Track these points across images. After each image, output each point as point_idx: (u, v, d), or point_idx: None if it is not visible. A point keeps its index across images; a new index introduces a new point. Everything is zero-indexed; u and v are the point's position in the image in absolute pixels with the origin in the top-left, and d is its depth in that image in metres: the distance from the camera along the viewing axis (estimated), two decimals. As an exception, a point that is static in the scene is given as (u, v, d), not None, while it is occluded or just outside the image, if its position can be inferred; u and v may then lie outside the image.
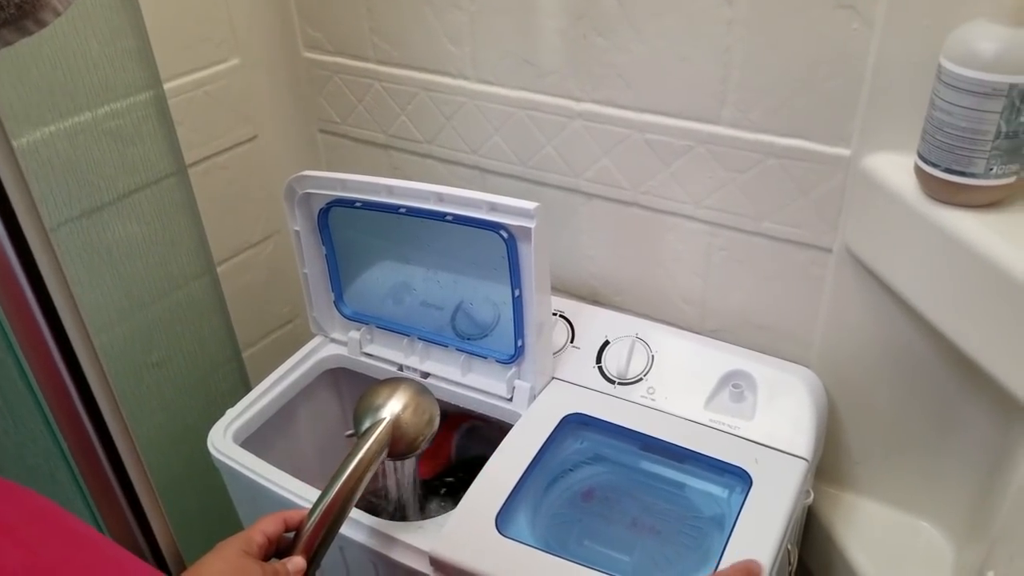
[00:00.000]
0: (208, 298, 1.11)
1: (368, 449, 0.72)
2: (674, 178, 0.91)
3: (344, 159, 1.20)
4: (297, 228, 0.97)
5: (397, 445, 0.74)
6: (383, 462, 0.74)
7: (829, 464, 0.95)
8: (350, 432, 0.76)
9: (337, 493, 0.68)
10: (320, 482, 0.73)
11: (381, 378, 1.00)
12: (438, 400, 0.80)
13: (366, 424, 0.74)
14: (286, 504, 0.85)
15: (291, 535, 0.67)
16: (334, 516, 0.68)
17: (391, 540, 0.79)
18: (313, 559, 0.66)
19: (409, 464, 0.93)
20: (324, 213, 0.96)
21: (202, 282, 1.10)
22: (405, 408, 0.75)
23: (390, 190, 0.88)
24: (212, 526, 1.08)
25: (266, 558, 0.65)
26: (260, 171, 1.17)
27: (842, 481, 0.95)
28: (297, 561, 0.65)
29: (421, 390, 0.78)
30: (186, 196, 1.04)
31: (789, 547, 0.81)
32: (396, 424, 0.74)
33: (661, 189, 0.92)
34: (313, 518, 0.67)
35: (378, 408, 0.75)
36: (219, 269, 1.13)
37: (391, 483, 0.94)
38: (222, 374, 1.16)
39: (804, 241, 0.86)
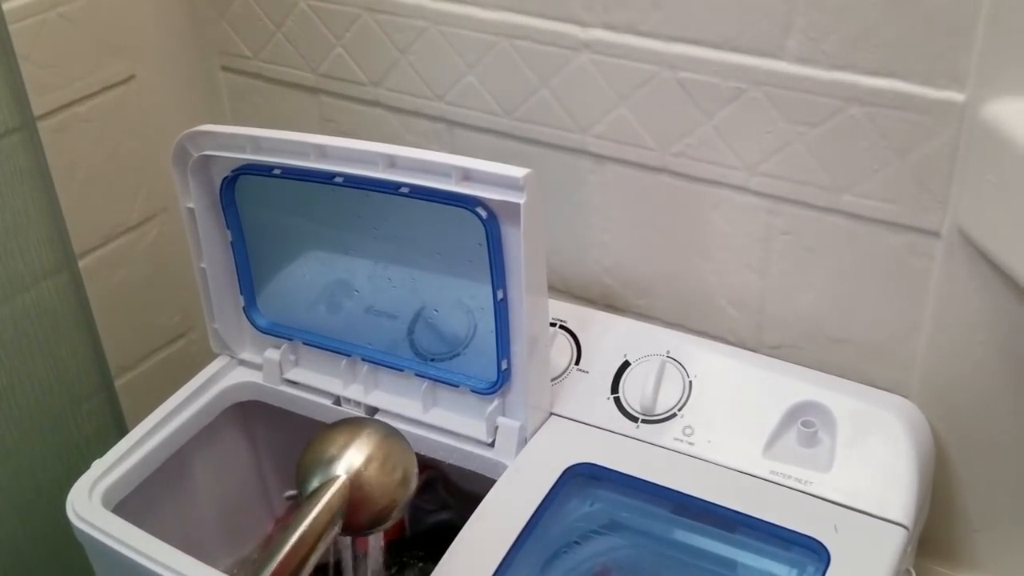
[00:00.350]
0: (66, 304, 1.10)
1: (315, 519, 0.70)
2: (719, 134, 0.91)
3: (257, 108, 1.19)
4: (191, 205, 0.97)
5: (357, 514, 0.73)
6: (335, 538, 0.73)
7: (938, 533, 0.95)
8: (291, 493, 0.75)
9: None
10: (228, 563, 0.72)
11: (309, 415, 1.01)
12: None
13: (314, 483, 0.73)
14: (177, 595, 0.84)
15: None
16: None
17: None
18: None
19: (373, 542, 0.92)
20: (229, 184, 0.96)
21: (57, 282, 1.09)
22: (369, 461, 0.75)
23: (322, 151, 0.89)
24: (73, 625, 1.07)
25: None
26: (139, 126, 1.16)
27: (957, 557, 0.95)
28: None
29: (390, 435, 0.78)
30: (34, 161, 1.04)
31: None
32: (356, 484, 0.73)
33: (701, 149, 0.92)
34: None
35: (330, 461, 0.74)
36: (81, 264, 1.13)
37: (348, 569, 0.93)
38: (86, 411, 1.15)
39: (900, 221, 0.86)
